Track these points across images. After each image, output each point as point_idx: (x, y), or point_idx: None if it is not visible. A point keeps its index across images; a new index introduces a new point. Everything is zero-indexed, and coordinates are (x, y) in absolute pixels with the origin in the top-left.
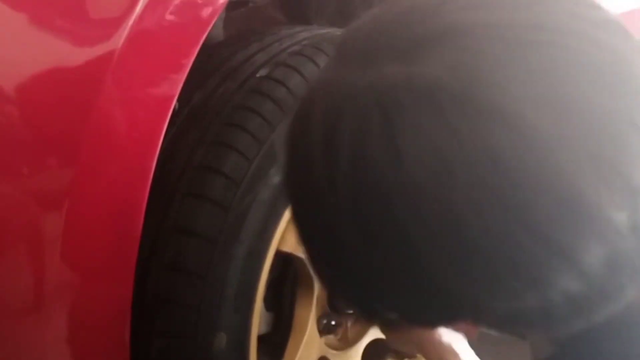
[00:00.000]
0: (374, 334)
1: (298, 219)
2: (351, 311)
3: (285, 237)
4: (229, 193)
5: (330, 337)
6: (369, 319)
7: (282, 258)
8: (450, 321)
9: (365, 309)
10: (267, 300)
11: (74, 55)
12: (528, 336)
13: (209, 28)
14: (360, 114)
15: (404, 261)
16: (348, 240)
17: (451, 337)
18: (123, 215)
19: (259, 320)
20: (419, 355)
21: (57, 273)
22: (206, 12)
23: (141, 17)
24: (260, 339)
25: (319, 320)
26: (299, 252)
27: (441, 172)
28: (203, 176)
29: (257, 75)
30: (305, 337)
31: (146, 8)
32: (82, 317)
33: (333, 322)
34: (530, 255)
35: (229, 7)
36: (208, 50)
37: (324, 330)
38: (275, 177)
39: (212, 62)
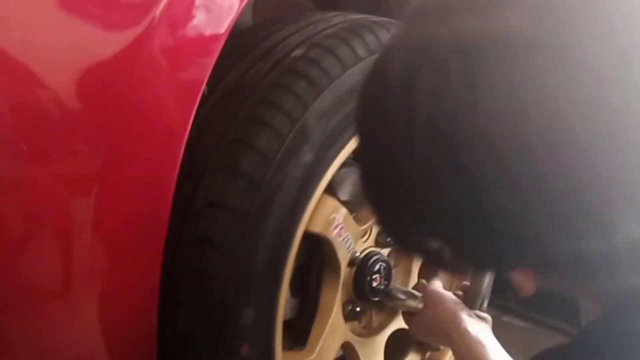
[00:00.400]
0: (398, 323)
1: (368, 166)
2: (377, 298)
3: (314, 217)
4: (261, 168)
5: (355, 324)
6: (435, 264)
7: (310, 243)
8: (513, 265)
9: (431, 253)
10: (292, 285)
11: (104, 39)
12: (584, 293)
13: (238, 13)
14: (439, 63)
15: (476, 202)
16: (423, 185)
17: (478, 329)
18: (152, 198)
19: (285, 302)
20: (442, 348)
21: (87, 251)
22: None
23: (170, 2)
24: (285, 324)
25: (344, 306)
26: (328, 233)
27: (517, 115)
28: (236, 151)
29: (292, 55)
30: (330, 322)
31: None
32: (109, 296)
33: (358, 309)
34: (598, 198)
35: None
36: (237, 36)
37: (348, 316)
38: (308, 155)
39: (247, 43)
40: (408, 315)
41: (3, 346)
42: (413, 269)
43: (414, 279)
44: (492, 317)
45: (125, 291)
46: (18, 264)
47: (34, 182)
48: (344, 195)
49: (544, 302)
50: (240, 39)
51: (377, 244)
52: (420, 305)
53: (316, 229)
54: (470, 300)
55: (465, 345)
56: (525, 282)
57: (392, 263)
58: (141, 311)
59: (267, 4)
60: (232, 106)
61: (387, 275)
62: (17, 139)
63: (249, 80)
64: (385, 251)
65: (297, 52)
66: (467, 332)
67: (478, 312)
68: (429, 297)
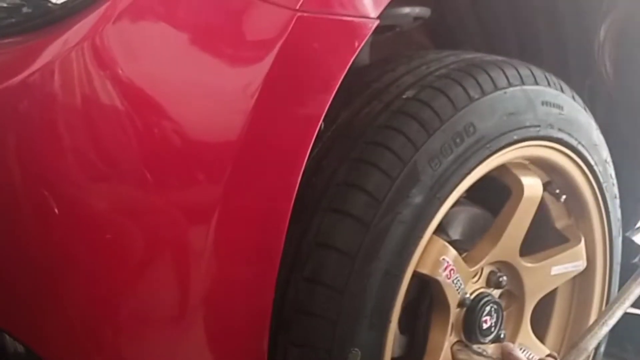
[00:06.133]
0: None
1: None
2: (488, 339)
3: (423, 258)
4: (370, 210)
5: None
6: None
7: (419, 281)
8: None
9: None
10: (401, 323)
11: (227, 75)
12: None
13: (357, 52)
14: None
15: None
16: None
17: None
18: (267, 229)
19: (392, 341)
20: None
21: (202, 283)
22: (354, 36)
23: (291, 40)
24: None
25: (453, 349)
26: (437, 275)
27: None
28: (345, 192)
29: (404, 96)
30: None
31: (296, 31)
32: (223, 326)
33: (477, 348)
34: None
35: (376, 32)
36: (354, 73)
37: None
38: (417, 197)
39: (359, 83)
40: None
41: None
42: (525, 312)
43: (526, 322)
44: None
45: (238, 326)
46: (139, 288)
47: (155, 209)
48: (455, 234)
49: None
50: (353, 78)
51: (489, 284)
52: None
53: (425, 270)
54: None
55: None
56: None
57: (503, 305)
58: (252, 348)
59: (385, 41)
60: (343, 148)
61: (498, 317)
62: (143, 167)
63: (360, 121)
64: (496, 292)
65: (409, 94)
66: None
67: None
68: None
